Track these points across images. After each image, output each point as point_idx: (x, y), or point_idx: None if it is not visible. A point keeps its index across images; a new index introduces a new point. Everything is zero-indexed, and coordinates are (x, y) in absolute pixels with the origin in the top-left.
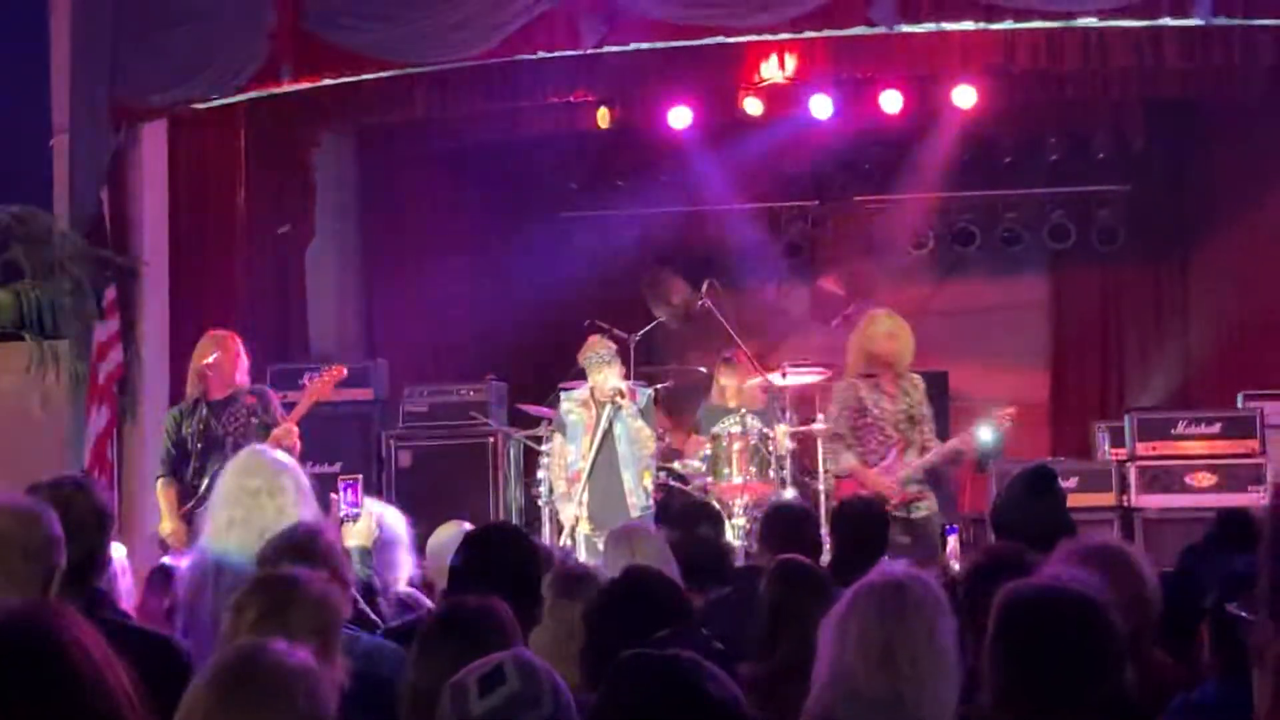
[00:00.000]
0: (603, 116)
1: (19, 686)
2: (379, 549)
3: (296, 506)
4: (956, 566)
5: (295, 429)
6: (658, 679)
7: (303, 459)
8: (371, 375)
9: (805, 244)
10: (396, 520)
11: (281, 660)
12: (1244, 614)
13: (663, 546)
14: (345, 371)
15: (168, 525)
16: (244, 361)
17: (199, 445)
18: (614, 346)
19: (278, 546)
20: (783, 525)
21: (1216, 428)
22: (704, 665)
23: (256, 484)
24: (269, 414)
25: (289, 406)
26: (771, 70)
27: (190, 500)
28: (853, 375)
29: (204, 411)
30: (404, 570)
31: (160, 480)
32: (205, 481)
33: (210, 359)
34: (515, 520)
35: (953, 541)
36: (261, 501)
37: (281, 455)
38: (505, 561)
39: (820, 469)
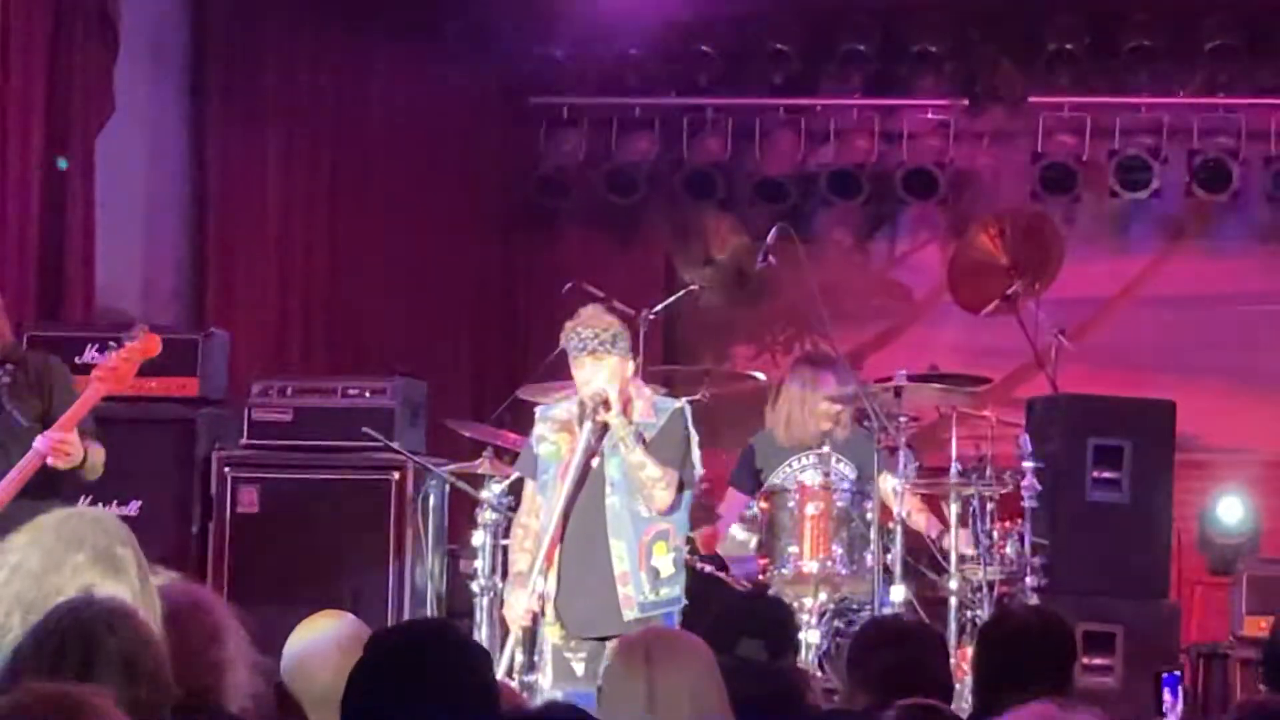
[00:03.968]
0: None
1: None
2: (179, 651)
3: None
4: None
5: (71, 439)
6: None
7: (76, 492)
8: (199, 356)
9: (939, 173)
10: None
11: None
12: None
13: (706, 672)
14: (159, 344)
15: None
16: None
17: None
18: (617, 327)
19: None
20: (888, 651)
21: None
22: None
23: (81, 559)
24: (46, 394)
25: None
26: None
27: None
28: None
29: None
30: (233, 692)
31: None
32: None
33: None
34: (432, 615)
35: (1170, 700)
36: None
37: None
38: (456, 690)
39: (953, 553)
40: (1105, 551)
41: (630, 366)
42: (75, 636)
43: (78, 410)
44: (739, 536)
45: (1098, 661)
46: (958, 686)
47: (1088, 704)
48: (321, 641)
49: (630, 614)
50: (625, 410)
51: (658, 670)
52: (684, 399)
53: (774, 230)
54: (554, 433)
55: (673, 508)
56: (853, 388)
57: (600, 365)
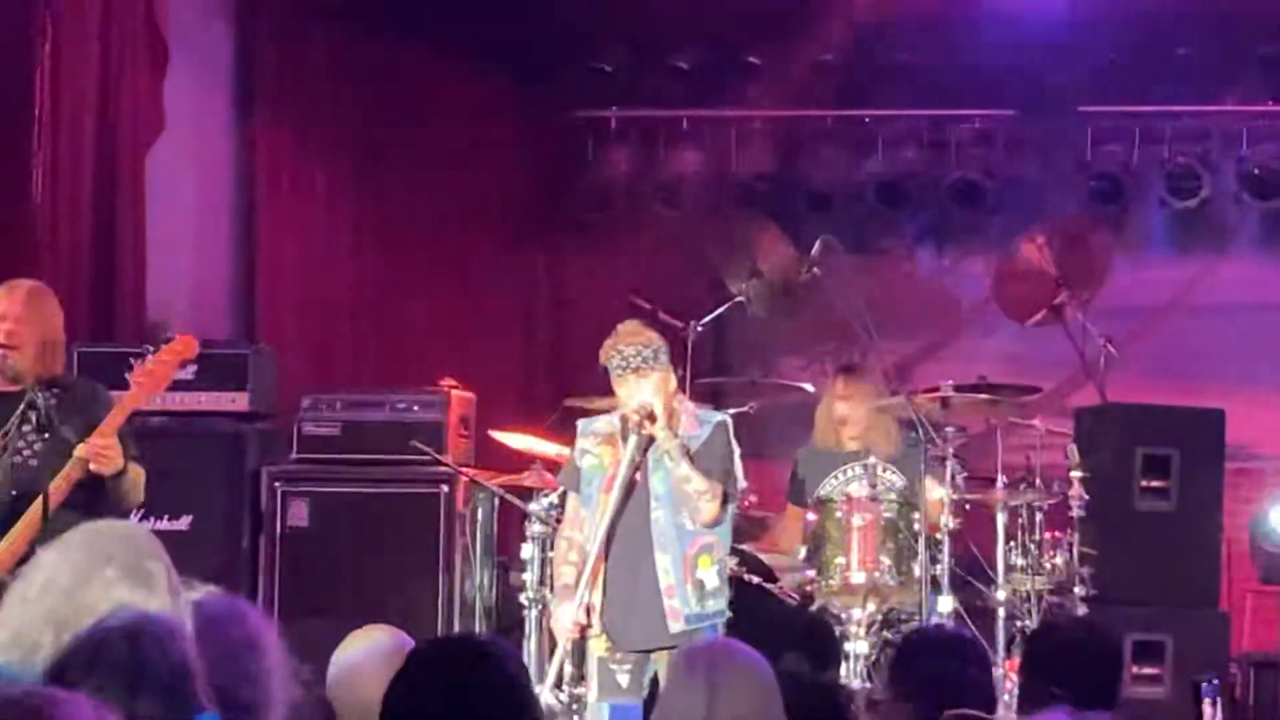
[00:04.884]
0: None
1: None
2: (214, 663)
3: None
4: None
5: (111, 444)
6: None
7: (124, 511)
8: (248, 369)
9: (988, 182)
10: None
11: None
12: None
13: (766, 689)
14: (197, 347)
15: None
16: (59, 336)
17: None
18: (658, 342)
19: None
20: (930, 662)
21: None
22: None
23: (111, 573)
24: (91, 416)
25: None
26: None
27: None
28: None
29: None
30: (271, 703)
31: None
32: None
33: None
34: (481, 628)
35: (1210, 710)
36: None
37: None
38: (495, 704)
39: (1000, 564)
40: (1154, 561)
41: (672, 380)
42: (86, 644)
43: (117, 415)
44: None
45: (1147, 671)
46: (1005, 697)
47: (1128, 715)
48: (368, 655)
49: (676, 626)
50: (670, 423)
51: (719, 685)
52: (726, 412)
53: (818, 242)
54: (597, 446)
55: (717, 521)
56: (874, 394)
57: (643, 382)
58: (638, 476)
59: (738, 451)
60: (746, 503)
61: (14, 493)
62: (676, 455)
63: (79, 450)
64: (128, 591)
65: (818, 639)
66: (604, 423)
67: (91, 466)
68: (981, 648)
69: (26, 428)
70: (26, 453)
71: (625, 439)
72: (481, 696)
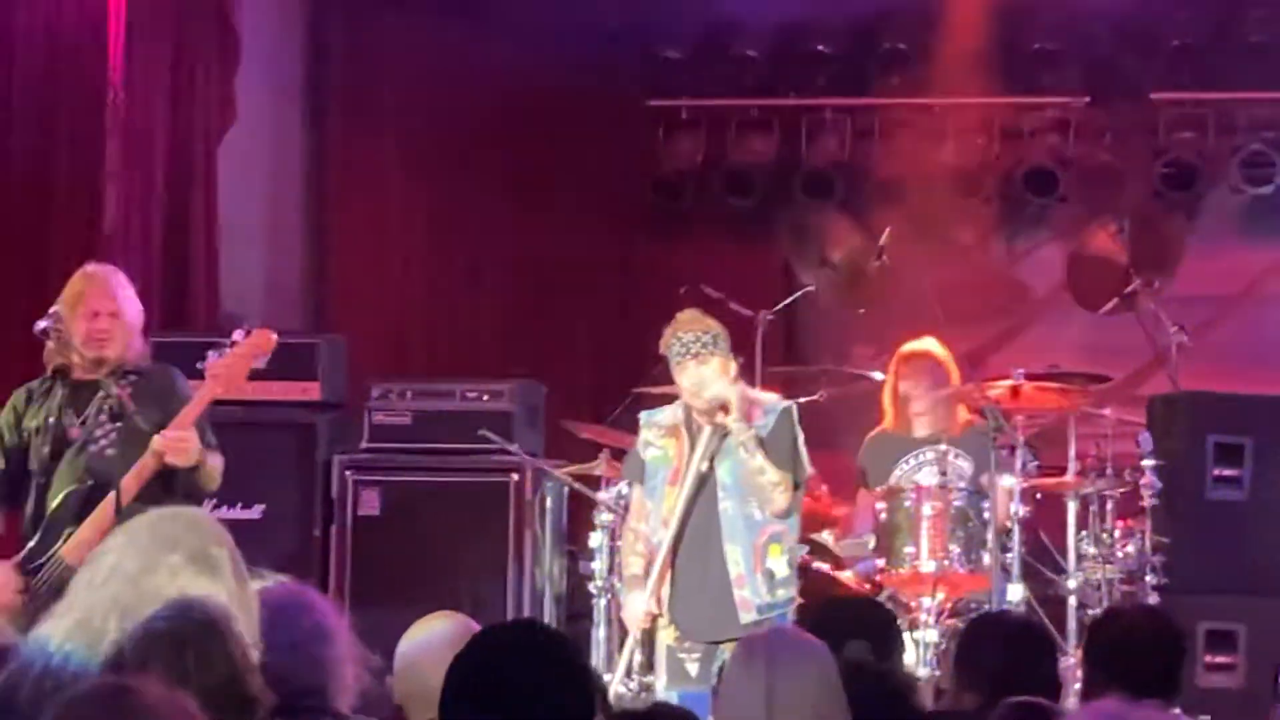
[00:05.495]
0: None
1: None
2: (283, 651)
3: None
4: None
5: (187, 435)
6: None
7: (197, 500)
8: (319, 360)
9: (1059, 170)
10: (303, 604)
11: None
12: None
13: (827, 677)
14: (275, 340)
15: None
16: (140, 321)
17: (46, 450)
18: (717, 328)
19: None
20: (996, 649)
21: None
22: None
23: (176, 560)
24: (166, 404)
25: None
26: None
27: (32, 541)
28: None
29: (61, 395)
30: (341, 690)
31: None
32: (56, 512)
33: (82, 302)
34: (551, 617)
35: None
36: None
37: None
38: (538, 695)
39: (1072, 553)
40: (1226, 549)
41: (732, 367)
42: (140, 640)
43: (194, 408)
44: (856, 538)
45: (1220, 660)
46: (1076, 686)
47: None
48: (431, 642)
49: (748, 617)
50: (729, 410)
51: (779, 674)
52: (791, 400)
53: (887, 231)
54: (660, 439)
55: (788, 511)
56: (934, 372)
57: (703, 368)
58: (702, 467)
59: (802, 437)
60: (817, 494)
61: (90, 482)
62: (751, 447)
63: (154, 443)
64: (192, 578)
65: (879, 626)
66: (667, 415)
67: (167, 459)
68: (1048, 636)
69: (103, 417)
70: (104, 442)
71: (690, 430)
72: (540, 678)
